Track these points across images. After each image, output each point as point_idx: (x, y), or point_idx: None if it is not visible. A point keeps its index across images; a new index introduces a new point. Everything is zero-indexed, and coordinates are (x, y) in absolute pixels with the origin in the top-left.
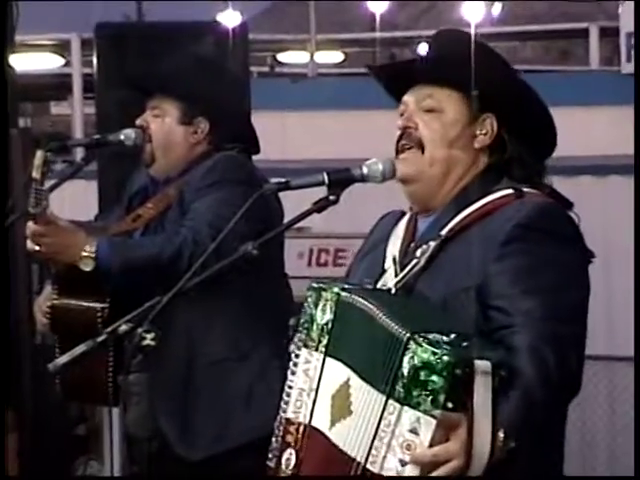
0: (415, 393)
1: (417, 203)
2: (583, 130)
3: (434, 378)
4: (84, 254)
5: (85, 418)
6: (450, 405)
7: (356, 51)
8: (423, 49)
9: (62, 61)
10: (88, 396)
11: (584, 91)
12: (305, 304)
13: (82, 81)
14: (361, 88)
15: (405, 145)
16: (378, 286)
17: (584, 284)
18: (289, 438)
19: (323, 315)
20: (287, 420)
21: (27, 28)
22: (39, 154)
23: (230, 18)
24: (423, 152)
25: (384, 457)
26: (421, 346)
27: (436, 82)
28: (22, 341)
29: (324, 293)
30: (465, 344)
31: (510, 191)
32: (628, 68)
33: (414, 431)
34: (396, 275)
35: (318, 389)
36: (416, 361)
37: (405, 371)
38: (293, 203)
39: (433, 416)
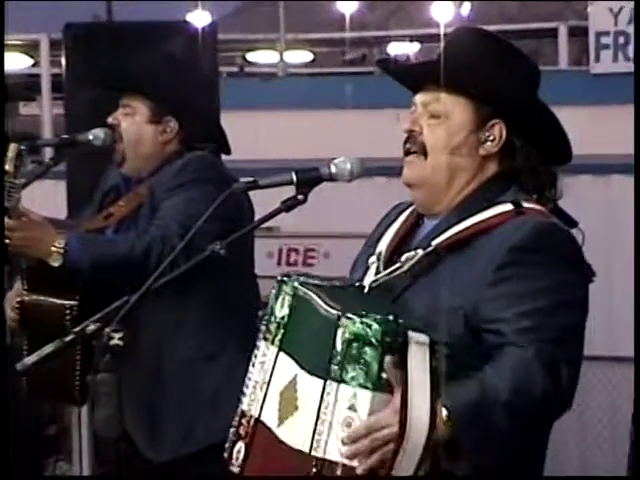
0: (350, 368)
1: (421, 207)
2: None
3: (366, 349)
4: (53, 249)
5: (55, 419)
6: (385, 376)
7: (325, 51)
8: (392, 49)
9: (31, 61)
10: (55, 394)
11: (554, 91)
12: (270, 296)
13: (51, 81)
14: (331, 88)
15: (410, 149)
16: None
17: (582, 306)
18: (241, 430)
19: (281, 309)
20: (242, 412)
21: None
22: (12, 147)
23: (200, 18)
24: (426, 158)
25: (327, 440)
26: (352, 320)
27: (443, 86)
28: None
29: (284, 286)
30: (401, 321)
31: (510, 207)
32: (597, 68)
33: (352, 408)
34: (377, 273)
35: (270, 383)
36: (347, 334)
37: (339, 348)
38: (263, 203)
39: (368, 388)
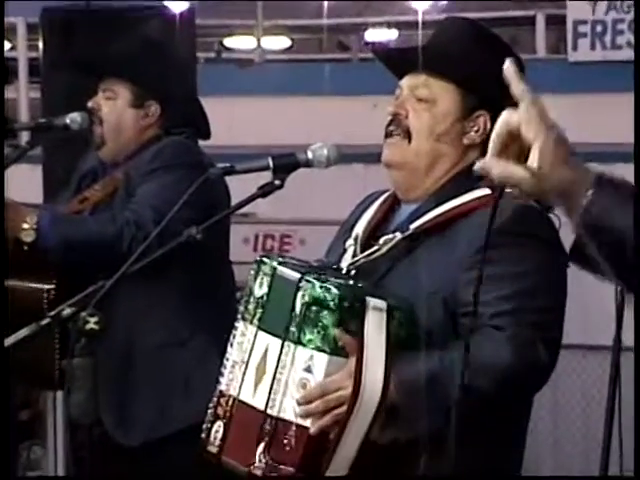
0: (307, 331)
1: (399, 190)
2: None
3: (324, 313)
4: (25, 226)
5: (29, 403)
6: (340, 341)
7: (303, 37)
8: (370, 36)
9: (8, 45)
10: (34, 380)
11: (532, 78)
12: (248, 277)
13: (28, 65)
14: (308, 74)
15: (392, 131)
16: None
17: (561, 287)
18: (219, 410)
19: (260, 289)
20: (220, 392)
21: None
22: None
23: (177, 3)
24: (410, 142)
25: (282, 400)
26: (311, 283)
27: (432, 71)
28: None
29: (263, 266)
30: (360, 285)
31: (489, 191)
32: (575, 56)
33: (308, 369)
34: (354, 256)
35: (249, 362)
36: (307, 298)
37: (297, 310)
38: (240, 189)
39: (325, 351)
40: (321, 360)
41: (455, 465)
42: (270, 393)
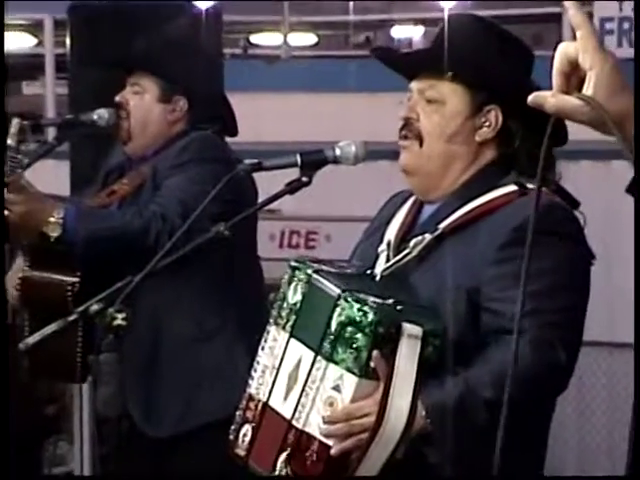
0: (340, 350)
1: (418, 193)
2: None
3: (358, 335)
4: (52, 220)
5: (54, 398)
6: (373, 364)
7: (329, 34)
8: (396, 33)
9: (35, 41)
10: (55, 373)
11: None
12: (282, 280)
13: (54, 61)
14: (334, 71)
15: (406, 135)
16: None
17: (584, 285)
18: (248, 414)
19: (294, 295)
20: (249, 395)
21: None
22: (14, 122)
23: (204, 1)
24: (422, 145)
25: (308, 413)
26: (349, 302)
27: (436, 74)
28: None
29: (297, 272)
30: (398, 307)
31: (514, 188)
32: None
33: (337, 388)
34: (387, 261)
35: (280, 368)
36: (343, 317)
37: (333, 328)
38: (264, 185)
39: (355, 373)
40: (350, 381)
41: (477, 469)
42: (298, 405)
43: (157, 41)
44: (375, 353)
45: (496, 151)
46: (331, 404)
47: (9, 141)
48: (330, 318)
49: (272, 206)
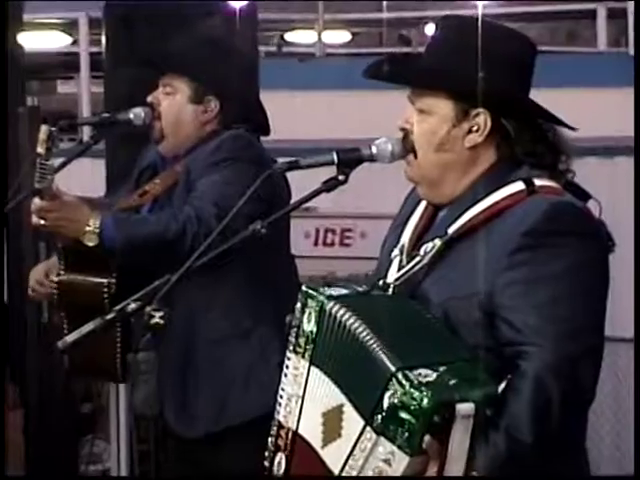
0: (392, 427)
1: (426, 200)
2: (592, 112)
3: (411, 419)
4: (88, 229)
5: (90, 397)
6: (425, 446)
7: (363, 31)
8: (430, 30)
9: (69, 40)
10: (96, 372)
11: (593, 73)
12: (296, 307)
13: (89, 60)
14: None
15: (405, 146)
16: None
17: (602, 283)
18: (280, 442)
19: (308, 323)
20: (279, 423)
21: (36, 7)
22: (44, 129)
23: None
24: (416, 156)
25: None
26: (402, 386)
27: (417, 87)
28: (28, 319)
29: (309, 300)
30: (452, 382)
31: (522, 186)
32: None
33: (387, 462)
34: (399, 268)
35: (304, 397)
36: (396, 401)
37: (385, 406)
38: (298, 183)
39: (407, 453)
40: (402, 459)
41: None
42: (345, 466)
43: (188, 42)
44: (427, 439)
45: (496, 152)
46: (380, 473)
47: (38, 148)
48: (382, 394)
49: (307, 204)
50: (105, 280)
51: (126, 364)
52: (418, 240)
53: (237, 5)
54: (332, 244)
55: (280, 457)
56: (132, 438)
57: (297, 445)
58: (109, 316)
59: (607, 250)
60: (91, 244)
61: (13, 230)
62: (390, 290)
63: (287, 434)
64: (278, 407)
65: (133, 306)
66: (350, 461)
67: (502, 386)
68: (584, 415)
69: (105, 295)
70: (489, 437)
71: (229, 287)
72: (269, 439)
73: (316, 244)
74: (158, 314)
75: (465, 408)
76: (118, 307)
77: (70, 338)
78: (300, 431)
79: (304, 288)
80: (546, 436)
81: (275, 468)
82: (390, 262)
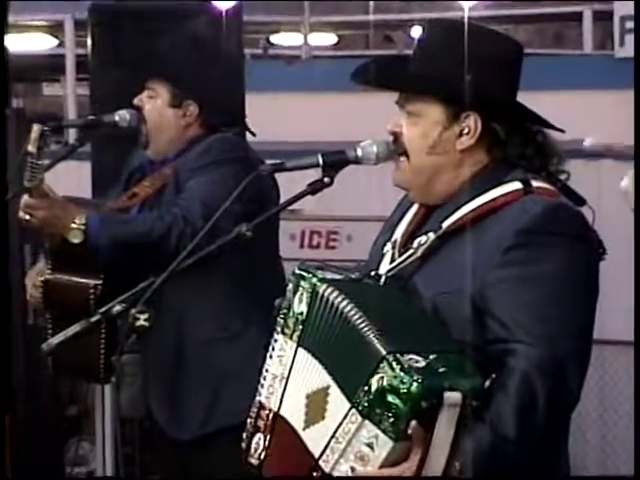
0: (378, 411)
1: (419, 203)
2: (578, 114)
3: (399, 403)
4: (74, 226)
5: (76, 399)
6: (410, 432)
7: (350, 33)
8: (416, 32)
9: (55, 42)
10: (79, 373)
11: (578, 75)
12: (287, 288)
13: (75, 62)
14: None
15: (397, 150)
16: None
17: (592, 289)
18: (260, 422)
19: (299, 304)
20: (260, 404)
21: (21, 8)
22: (36, 128)
23: (224, 1)
24: (409, 160)
25: (337, 460)
26: (392, 370)
27: (404, 92)
28: (13, 321)
29: (302, 282)
30: (441, 370)
31: (518, 186)
32: (622, 52)
33: (370, 446)
34: (392, 261)
35: (289, 378)
36: (385, 383)
37: (372, 388)
38: (285, 185)
39: (391, 437)
40: (385, 444)
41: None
42: (327, 448)
43: (171, 46)
44: (414, 424)
45: (488, 155)
46: (362, 458)
47: (30, 147)
48: (370, 377)
49: (293, 206)
50: (92, 281)
51: (110, 366)
52: (411, 236)
53: (223, 7)
54: (318, 246)
55: (258, 438)
56: (117, 440)
57: (277, 426)
58: (94, 318)
59: (598, 255)
60: (76, 241)
61: None
62: (382, 281)
63: (268, 415)
64: (260, 388)
65: (118, 308)
66: (332, 443)
67: (487, 383)
68: (568, 416)
69: (91, 296)
70: (473, 430)
71: (217, 289)
72: (248, 420)
73: (302, 246)
74: (143, 316)
75: (453, 397)
76: (103, 309)
77: (55, 340)
78: (282, 412)
79: (297, 270)
80: (529, 433)
81: (252, 449)
82: (382, 257)
